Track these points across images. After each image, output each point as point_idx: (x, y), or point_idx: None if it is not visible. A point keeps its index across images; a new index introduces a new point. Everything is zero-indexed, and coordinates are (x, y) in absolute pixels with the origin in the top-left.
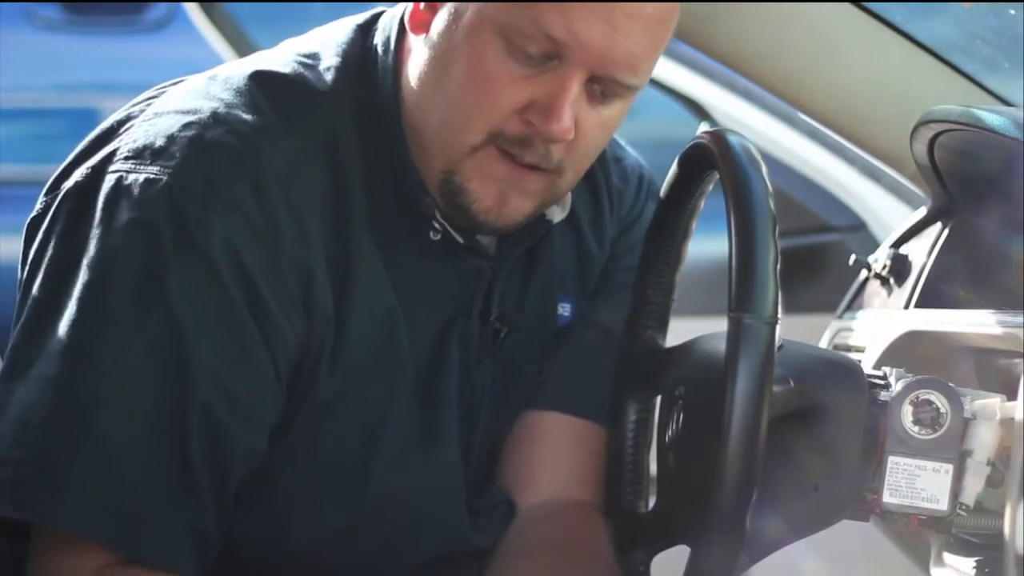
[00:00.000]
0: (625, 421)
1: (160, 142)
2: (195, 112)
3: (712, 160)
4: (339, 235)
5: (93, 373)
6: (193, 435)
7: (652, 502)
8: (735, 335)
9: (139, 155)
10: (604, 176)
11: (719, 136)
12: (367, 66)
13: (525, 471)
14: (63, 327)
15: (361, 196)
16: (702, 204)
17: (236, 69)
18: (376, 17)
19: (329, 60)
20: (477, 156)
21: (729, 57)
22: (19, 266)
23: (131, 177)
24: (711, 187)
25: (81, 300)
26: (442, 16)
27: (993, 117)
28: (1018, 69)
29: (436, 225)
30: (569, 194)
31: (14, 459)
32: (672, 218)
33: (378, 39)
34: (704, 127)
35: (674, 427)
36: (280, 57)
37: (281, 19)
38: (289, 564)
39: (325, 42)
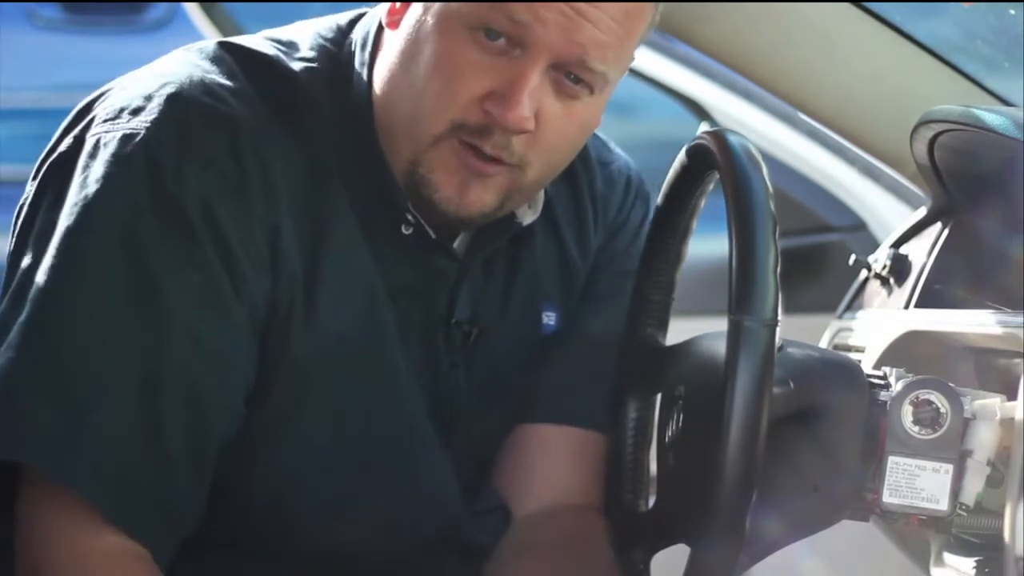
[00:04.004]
0: (625, 419)
1: (137, 102)
2: (172, 75)
3: (712, 160)
4: (311, 202)
5: (69, 325)
6: (166, 389)
7: (652, 501)
8: (735, 338)
9: (117, 116)
10: (588, 182)
11: (719, 136)
12: (342, 61)
13: (523, 482)
14: (42, 282)
15: (335, 174)
16: (702, 203)
17: (211, 43)
18: (359, 16)
19: (304, 52)
20: (440, 147)
21: (729, 57)
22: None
23: (108, 136)
24: (711, 186)
25: (59, 253)
26: (415, 10)
27: (993, 117)
28: (1018, 69)
29: (409, 218)
30: (541, 196)
31: None
32: (672, 217)
33: (357, 35)
34: (704, 127)
35: (674, 426)
36: (255, 39)
37: (281, 19)
38: (281, 547)
39: (303, 34)
